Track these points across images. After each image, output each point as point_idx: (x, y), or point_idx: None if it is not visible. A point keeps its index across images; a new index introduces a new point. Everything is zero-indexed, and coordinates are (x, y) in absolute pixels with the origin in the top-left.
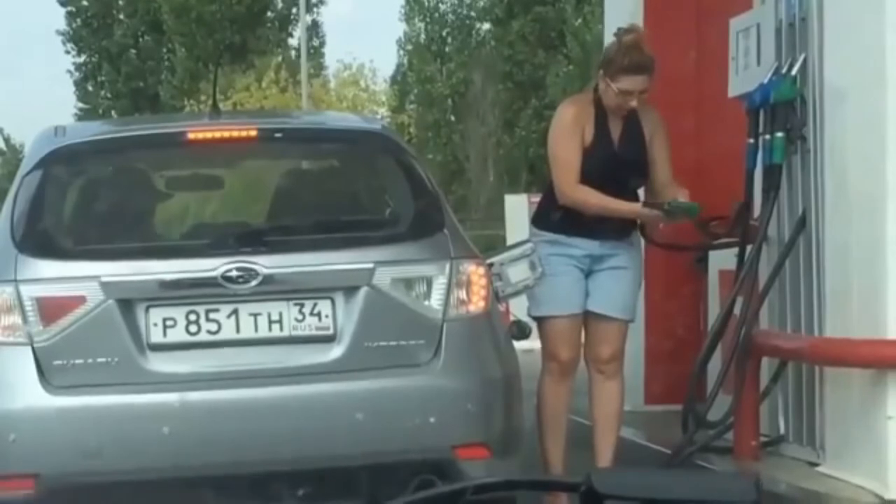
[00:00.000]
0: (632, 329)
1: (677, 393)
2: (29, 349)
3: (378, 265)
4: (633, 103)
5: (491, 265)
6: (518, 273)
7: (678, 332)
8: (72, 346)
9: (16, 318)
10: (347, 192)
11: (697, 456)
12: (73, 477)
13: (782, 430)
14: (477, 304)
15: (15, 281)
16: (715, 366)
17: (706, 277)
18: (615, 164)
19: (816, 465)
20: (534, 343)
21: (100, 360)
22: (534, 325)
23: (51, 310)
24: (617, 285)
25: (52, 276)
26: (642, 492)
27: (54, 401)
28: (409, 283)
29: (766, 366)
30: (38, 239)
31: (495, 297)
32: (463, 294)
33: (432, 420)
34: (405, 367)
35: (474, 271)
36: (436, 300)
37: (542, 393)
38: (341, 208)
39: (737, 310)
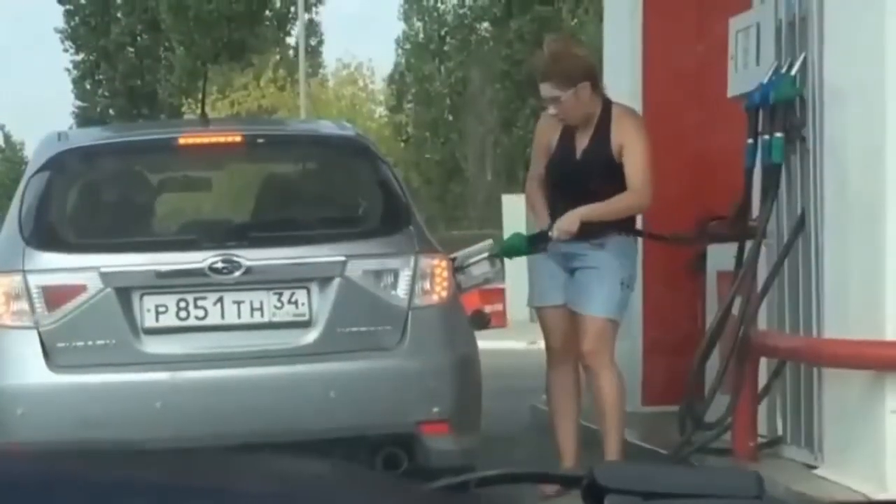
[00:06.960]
0: (629, 329)
1: (675, 393)
2: (35, 332)
3: (350, 258)
4: (551, 110)
5: (454, 260)
6: (478, 267)
7: (676, 332)
8: (74, 329)
9: (23, 305)
10: (323, 192)
11: (695, 457)
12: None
13: (780, 432)
14: (439, 295)
15: (23, 271)
16: (713, 366)
17: (704, 277)
18: (577, 172)
19: (814, 467)
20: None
21: (99, 342)
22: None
23: (55, 297)
24: (581, 283)
25: (56, 266)
26: (645, 486)
27: (58, 379)
28: (377, 275)
29: (765, 366)
30: (43, 233)
31: (458, 288)
32: (426, 285)
33: (398, 399)
34: (374, 351)
35: (437, 265)
36: (402, 290)
37: (546, 382)
38: (317, 207)
39: (735, 310)
